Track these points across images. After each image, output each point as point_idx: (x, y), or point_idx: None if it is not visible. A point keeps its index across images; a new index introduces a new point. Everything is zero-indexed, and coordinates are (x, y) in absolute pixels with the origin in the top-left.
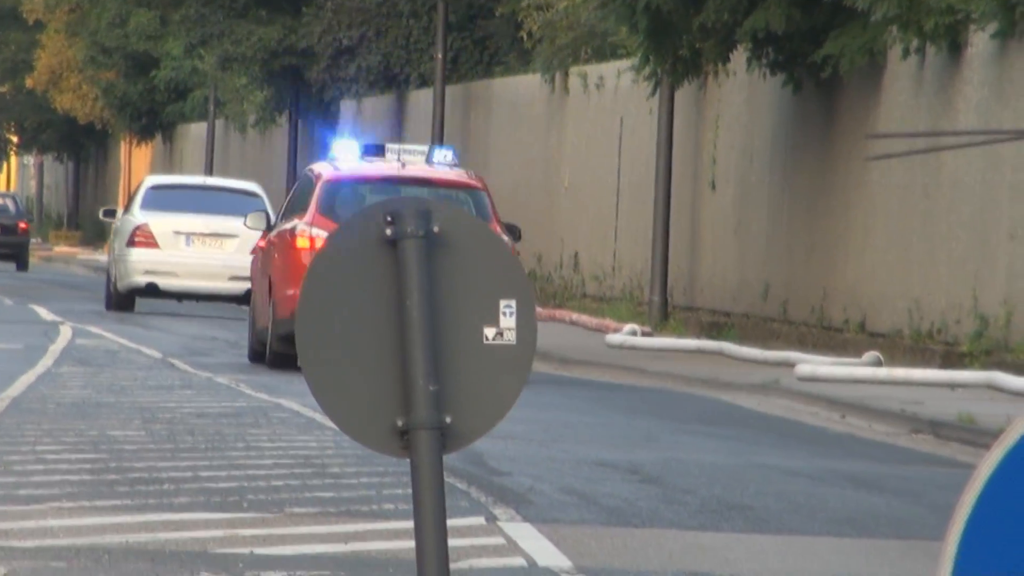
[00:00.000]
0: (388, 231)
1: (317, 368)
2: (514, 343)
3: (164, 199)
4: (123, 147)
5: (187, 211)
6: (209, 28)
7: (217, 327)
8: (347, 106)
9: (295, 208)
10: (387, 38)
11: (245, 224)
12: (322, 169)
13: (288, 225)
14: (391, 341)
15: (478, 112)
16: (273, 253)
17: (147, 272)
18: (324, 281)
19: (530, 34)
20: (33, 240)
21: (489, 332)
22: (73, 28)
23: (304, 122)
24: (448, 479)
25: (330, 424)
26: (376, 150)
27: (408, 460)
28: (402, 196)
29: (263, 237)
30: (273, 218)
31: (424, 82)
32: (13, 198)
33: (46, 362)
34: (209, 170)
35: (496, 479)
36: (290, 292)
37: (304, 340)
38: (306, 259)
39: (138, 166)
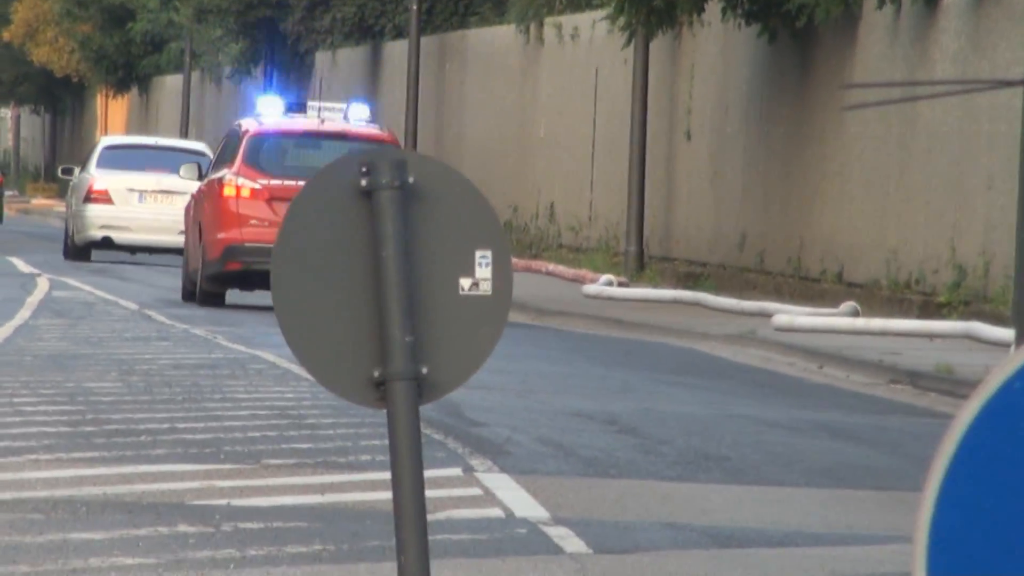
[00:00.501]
0: (363, 182)
1: (292, 319)
2: (490, 293)
3: (118, 158)
4: (99, 100)
5: (140, 169)
6: None
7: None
8: (322, 58)
9: (223, 160)
10: None
11: (179, 175)
12: (248, 124)
13: (216, 175)
14: (367, 292)
15: (453, 63)
16: (203, 201)
17: (103, 227)
18: (298, 232)
19: None
20: (10, 192)
21: (465, 283)
22: None
23: (279, 73)
24: (424, 430)
25: (306, 375)
26: (298, 107)
27: (384, 411)
28: (378, 149)
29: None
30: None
31: (399, 33)
32: None
33: (23, 314)
34: (185, 122)
35: (473, 430)
36: (219, 236)
37: (279, 292)
38: (232, 206)
39: (114, 119)
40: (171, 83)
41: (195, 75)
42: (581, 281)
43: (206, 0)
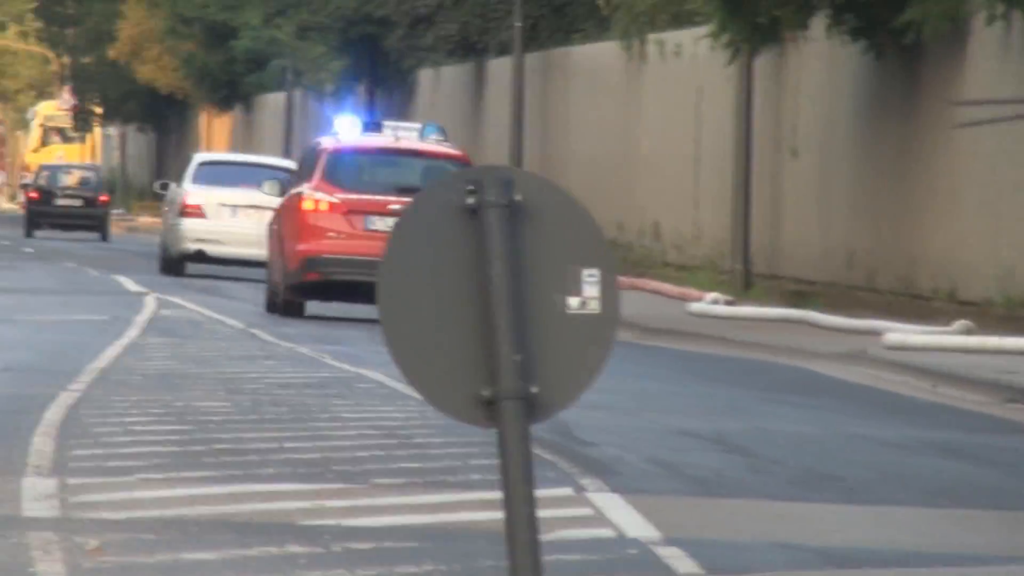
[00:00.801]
0: (470, 200)
1: (400, 339)
2: (598, 312)
3: (212, 174)
4: (203, 117)
5: (232, 185)
6: None
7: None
8: (425, 75)
9: (303, 176)
10: (465, 6)
11: (262, 190)
12: (326, 141)
13: (296, 190)
14: (474, 311)
15: (556, 80)
16: (284, 215)
17: (196, 240)
18: (405, 251)
19: (608, 1)
20: (116, 211)
21: (573, 301)
22: None
23: (382, 91)
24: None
25: (415, 395)
26: (375, 126)
27: (494, 430)
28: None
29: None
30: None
31: (503, 50)
32: (94, 171)
33: (131, 333)
34: (287, 139)
35: (582, 449)
36: (298, 248)
37: (386, 311)
38: (310, 219)
39: (218, 136)
40: (273, 101)
41: (297, 93)
42: (687, 299)
43: (309, 18)
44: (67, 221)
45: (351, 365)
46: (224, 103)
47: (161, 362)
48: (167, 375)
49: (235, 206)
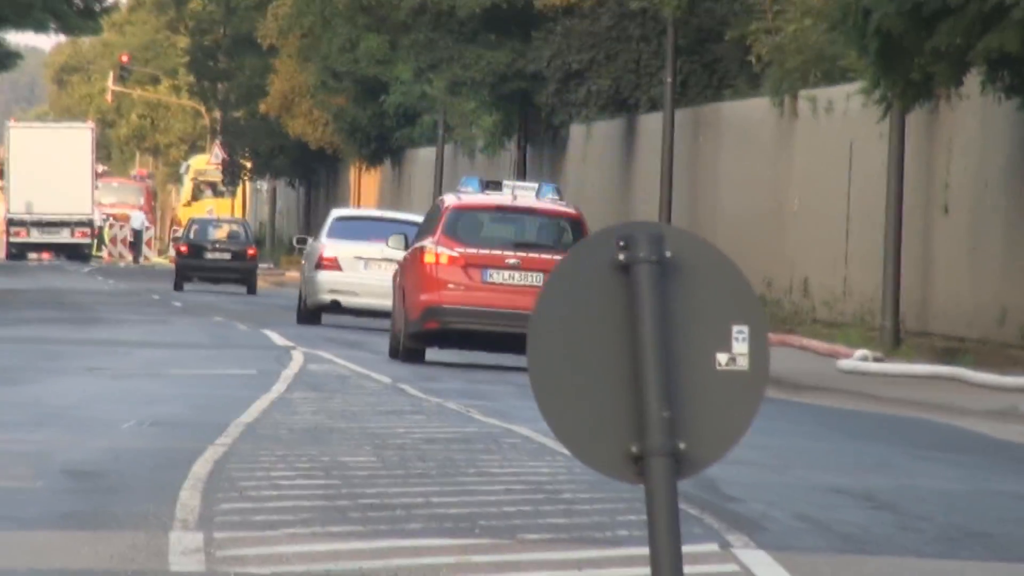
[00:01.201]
0: (621, 256)
1: (550, 393)
2: (747, 369)
3: (347, 228)
4: (353, 172)
5: (365, 239)
6: (438, 53)
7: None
8: (576, 130)
9: (425, 231)
10: (617, 62)
11: (388, 245)
12: (448, 199)
13: (419, 244)
14: (623, 366)
15: (707, 136)
16: (407, 267)
17: (331, 291)
18: (556, 306)
19: (759, 58)
20: (265, 265)
21: (722, 358)
22: (305, 53)
23: (533, 146)
24: (681, 505)
25: (562, 450)
26: (494, 185)
27: (642, 486)
28: (634, 222)
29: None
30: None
31: (653, 106)
32: (243, 225)
33: (279, 388)
34: (437, 195)
35: (729, 505)
36: (420, 298)
37: (535, 366)
38: (431, 271)
39: (367, 191)
40: (424, 156)
41: (448, 148)
42: (836, 356)
43: (460, 73)
44: (216, 274)
45: (499, 420)
46: (374, 158)
47: (308, 416)
48: (314, 429)
49: (368, 259)
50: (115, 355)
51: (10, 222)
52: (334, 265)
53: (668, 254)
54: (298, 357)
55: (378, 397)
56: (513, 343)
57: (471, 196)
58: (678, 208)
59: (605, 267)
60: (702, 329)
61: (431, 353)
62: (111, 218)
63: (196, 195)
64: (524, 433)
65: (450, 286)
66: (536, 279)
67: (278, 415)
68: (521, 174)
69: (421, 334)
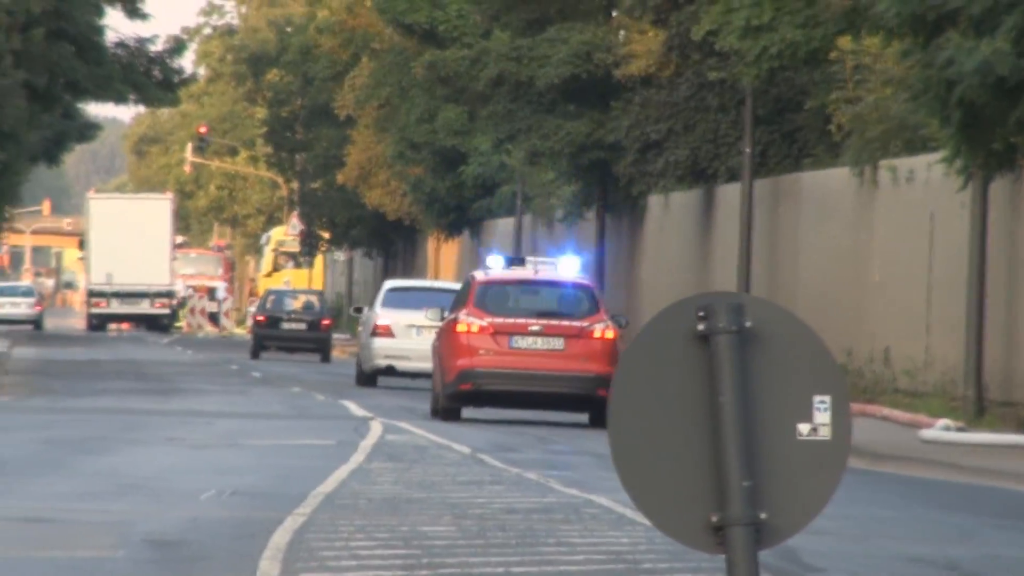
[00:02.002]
0: (700, 326)
1: (630, 463)
2: (829, 439)
3: (400, 298)
4: (431, 242)
5: (417, 307)
6: (517, 123)
7: (525, 423)
8: (655, 200)
9: (458, 303)
10: (695, 132)
11: (426, 316)
12: (478, 275)
13: (452, 315)
14: (703, 436)
15: (786, 206)
16: (443, 336)
17: (386, 356)
18: (635, 376)
19: (839, 127)
20: (342, 336)
21: (803, 428)
22: (382, 124)
23: (611, 216)
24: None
25: (642, 519)
26: (518, 261)
27: (723, 556)
28: (713, 292)
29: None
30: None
31: (732, 176)
32: (318, 295)
33: (358, 458)
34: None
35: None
36: (455, 363)
37: (616, 435)
38: (464, 339)
39: (446, 261)
40: (503, 226)
41: (526, 218)
42: (917, 426)
43: (539, 143)
44: (291, 344)
45: (579, 490)
46: (452, 228)
47: (387, 487)
48: (393, 499)
49: (420, 326)
50: (194, 425)
51: (90, 293)
52: (388, 332)
53: (748, 324)
54: (376, 427)
55: (457, 467)
56: (539, 401)
57: (498, 272)
58: (757, 278)
59: (685, 337)
60: (783, 399)
61: (466, 412)
62: (192, 289)
63: (277, 266)
64: (604, 503)
65: (481, 352)
66: (557, 343)
67: (357, 485)
68: (600, 244)
69: (457, 394)
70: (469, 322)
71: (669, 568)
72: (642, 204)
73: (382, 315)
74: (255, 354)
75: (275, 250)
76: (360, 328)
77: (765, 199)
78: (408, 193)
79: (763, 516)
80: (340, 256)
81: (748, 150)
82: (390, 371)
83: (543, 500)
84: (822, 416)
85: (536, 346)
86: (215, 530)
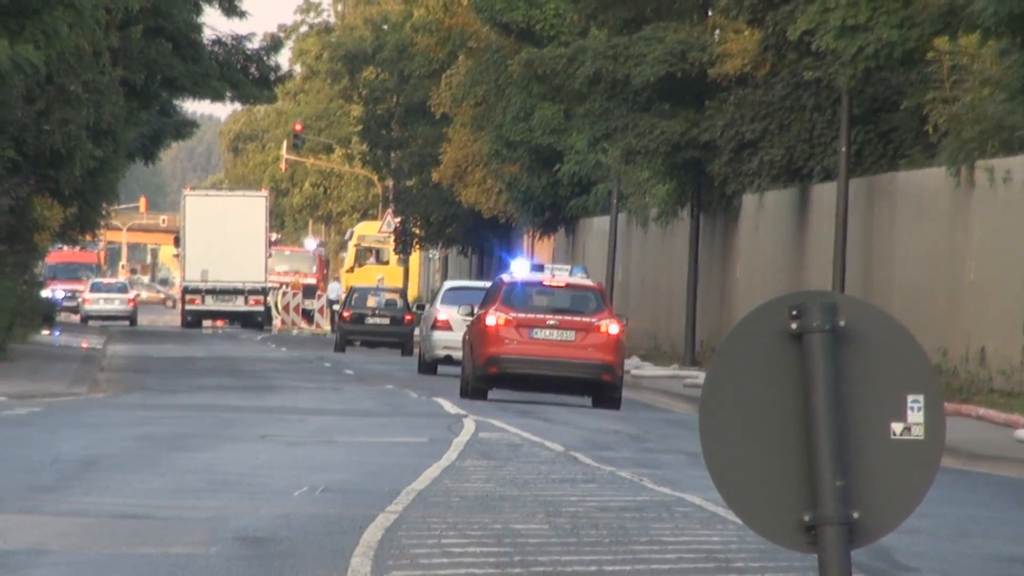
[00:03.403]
0: (793, 325)
1: (722, 462)
2: (922, 438)
3: (457, 296)
4: (526, 240)
5: (471, 304)
6: (613, 122)
7: (618, 421)
8: (749, 200)
9: (487, 301)
10: (790, 131)
11: (459, 312)
12: (505, 277)
13: (482, 311)
14: (796, 435)
15: (881, 206)
16: (473, 328)
17: (444, 348)
18: (726, 375)
19: (935, 127)
20: None
21: (896, 427)
22: (478, 122)
23: (706, 216)
24: (855, 574)
25: (734, 518)
26: (539, 267)
27: (815, 555)
28: (807, 291)
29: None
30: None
31: (827, 175)
32: (400, 293)
33: (450, 455)
34: (611, 264)
35: (904, 574)
36: (484, 350)
37: (707, 435)
38: (492, 331)
39: (540, 259)
40: (598, 225)
41: (621, 217)
42: (1013, 426)
43: (634, 142)
44: (375, 338)
45: (671, 489)
46: (547, 226)
47: (480, 484)
48: (485, 497)
49: None
50: (288, 422)
51: (185, 290)
52: (446, 326)
53: (842, 323)
54: (469, 425)
55: (550, 465)
56: (554, 384)
57: (520, 275)
58: (852, 278)
59: (778, 336)
60: (876, 398)
61: (492, 393)
62: (285, 286)
63: (360, 261)
64: (696, 502)
65: (506, 341)
66: (570, 335)
67: (449, 482)
68: (694, 243)
69: (485, 377)
70: (497, 316)
71: (761, 567)
72: (736, 203)
73: (441, 311)
74: (340, 348)
75: (357, 245)
76: (421, 323)
77: (860, 199)
78: (504, 191)
79: (856, 515)
80: (435, 254)
81: (843, 149)
82: (448, 360)
83: (636, 498)
84: (916, 415)
85: (552, 337)
86: (307, 527)
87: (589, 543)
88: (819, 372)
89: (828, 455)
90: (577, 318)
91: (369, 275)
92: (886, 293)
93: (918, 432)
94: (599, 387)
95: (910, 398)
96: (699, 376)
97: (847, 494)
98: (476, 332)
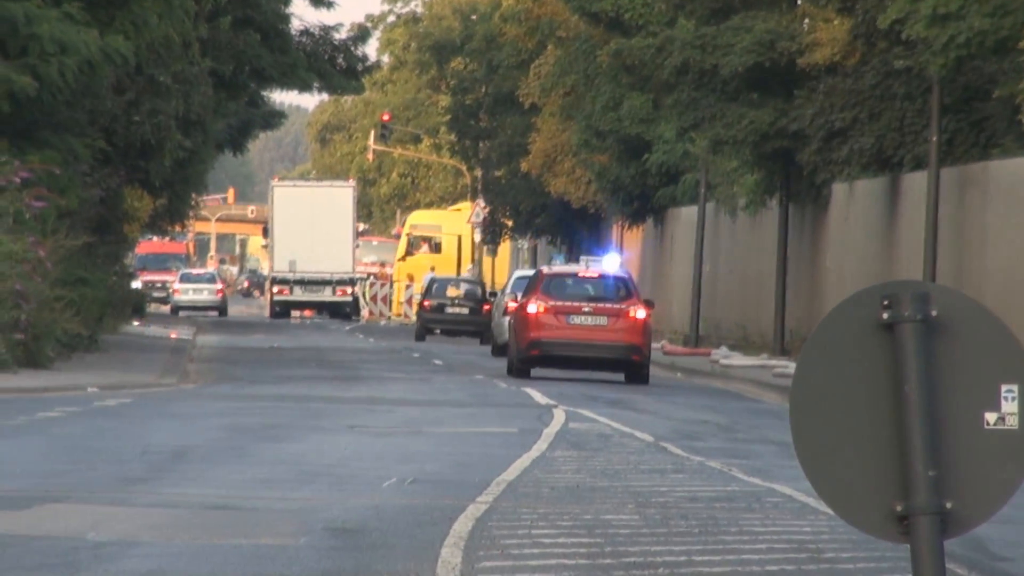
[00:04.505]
0: (885, 315)
1: (813, 453)
2: (1017, 428)
3: (525, 284)
4: (615, 230)
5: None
6: (701, 111)
7: (708, 411)
8: (839, 189)
9: (529, 290)
10: (880, 120)
11: (506, 300)
12: (544, 268)
13: (524, 299)
14: (887, 425)
15: (973, 195)
16: (517, 314)
17: None
18: (819, 364)
19: None
20: None
21: (990, 417)
22: (567, 112)
23: (795, 205)
24: (948, 565)
25: (825, 509)
26: (575, 259)
27: (907, 545)
28: (898, 280)
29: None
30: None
31: (918, 164)
32: (478, 283)
33: (540, 446)
34: (699, 253)
35: (999, 564)
36: (526, 334)
37: (799, 425)
38: (533, 317)
39: (630, 248)
40: (686, 214)
41: (710, 206)
42: None
43: (722, 132)
44: (455, 327)
45: (761, 479)
46: (636, 216)
47: (570, 475)
48: (576, 488)
49: None
50: (376, 413)
51: (274, 280)
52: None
53: (934, 313)
54: (559, 415)
55: (640, 456)
56: (589, 363)
57: (559, 267)
58: (943, 268)
59: (869, 326)
60: (969, 388)
61: (535, 372)
62: (372, 276)
63: (411, 249)
64: (786, 492)
65: (546, 326)
66: (602, 320)
67: (539, 473)
68: (783, 232)
69: (528, 358)
70: (538, 304)
71: (852, 557)
72: (826, 193)
73: (511, 298)
74: (421, 337)
75: (409, 234)
76: (493, 310)
77: (952, 188)
78: (593, 181)
79: (948, 505)
80: (524, 244)
81: (935, 138)
82: None
83: (725, 489)
84: (1010, 405)
85: (587, 322)
86: (397, 518)
87: (679, 533)
88: (911, 362)
89: (920, 445)
90: (608, 305)
91: (421, 264)
92: (978, 283)
93: (1012, 422)
94: (629, 365)
95: (1004, 388)
96: (788, 366)
97: (940, 484)
98: (519, 319)
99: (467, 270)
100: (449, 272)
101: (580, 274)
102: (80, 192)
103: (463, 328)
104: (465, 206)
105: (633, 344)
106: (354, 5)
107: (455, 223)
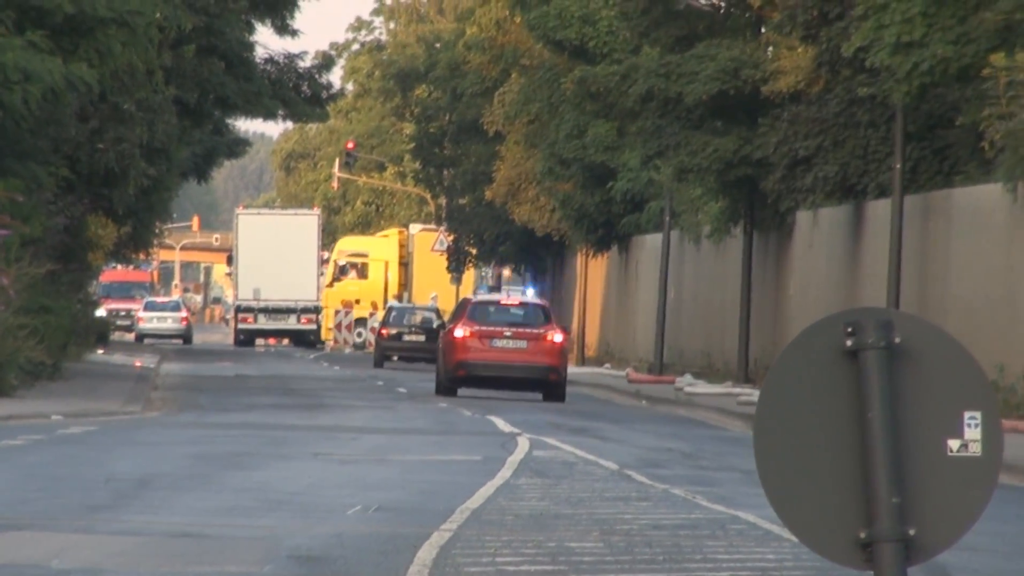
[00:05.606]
0: (848, 342)
1: (776, 479)
2: (979, 455)
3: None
4: (580, 258)
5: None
6: (665, 139)
7: (672, 439)
8: (803, 217)
9: (455, 316)
10: (844, 148)
11: (434, 325)
12: (470, 297)
13: (451, 324)
14: (851, 452)
15: (937, 222)
16: (445, 338)
17: None
18: (782, 391)
19: (991, 143)
20: None
21: (953, 444)
22: (531, 139)
23: (759, 233)
24: None
25: (789, 536)
26: (496, 290)
27: (870, 573)
28: (862, 308)
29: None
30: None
31: (882, 192)
32: (434, 311)
33: (504, 474)
34: (663, 281)
35: None
36: (455, 356)
37: (762, 452)
38: (460, 341)
39: (594, 276)
40: (650, 242)
41: (674, 234)
42: None
43: (687, 159)
44: (412, 354)
45: (725, 507)
46: (600, 244)
47: (534, 503)
48: (540, 516)
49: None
50: (341, 441)
51: (238, 308)
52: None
53: (897, 340)
54: (523, 443)
55: (604, 483)
56: (510, 383)
57: (484, 295)
58: (907, 295)
59: (833, 353)
60: (933, 415)
61: (461, 391)
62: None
63: (338, 276)
64: (750, 519)
65: (471, 349)
66: (522, 343)
67: (503, 501)
68: (747, 260)
69: (455, 378)
70: (463, 329)
71: None
72: (790, 220)
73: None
74: (379, 363)
75: (336, 260)
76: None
77: (915, 215)
78: (557, 209)
79: (912, 532)
80: (488, 272)
81: (898, 166)
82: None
83: (690, 516)
84: (973, 432)
85: (509, 345)
86: (361, 545)
87: (643, 561)
88: (875, 389)
89: (884, 472)
90: (528, 330)
91: (347, 291)
92: (941, 310)
93: (975, 449)
94: (547, 385)
95: (967, 415)
96: (753, 393)
97: (903, 511)
98: (447, 342)
99: (431, 298)
100: (377, 299)
101: (503, 302)
102: (44, 220)
103: (419, 355)
104: (392, 232)
105: (551, 365)
106: (319, 33)
107: (383, 249)
